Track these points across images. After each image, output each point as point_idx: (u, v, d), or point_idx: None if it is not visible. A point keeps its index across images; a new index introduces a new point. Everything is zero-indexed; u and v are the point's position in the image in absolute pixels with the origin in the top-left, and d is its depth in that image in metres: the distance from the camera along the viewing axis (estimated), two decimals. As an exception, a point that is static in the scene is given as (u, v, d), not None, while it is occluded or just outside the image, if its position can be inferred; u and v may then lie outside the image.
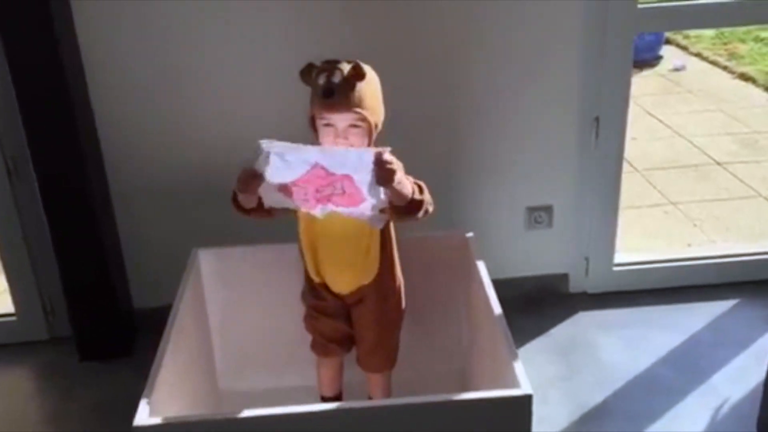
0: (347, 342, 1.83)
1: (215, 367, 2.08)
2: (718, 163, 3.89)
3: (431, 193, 1.62)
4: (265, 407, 1.44)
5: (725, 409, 2.00)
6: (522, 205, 2.40)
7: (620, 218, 2.46)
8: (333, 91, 1.51)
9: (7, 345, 2.38)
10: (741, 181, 3.68)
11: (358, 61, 1.54)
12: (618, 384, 2.11)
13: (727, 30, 5.90)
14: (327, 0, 2.09)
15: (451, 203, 2.35)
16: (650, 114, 4.64)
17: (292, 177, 1.52)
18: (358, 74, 1.53)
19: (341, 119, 1.54)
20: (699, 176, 3.79)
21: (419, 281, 1.91)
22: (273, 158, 1.50)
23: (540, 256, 2.48)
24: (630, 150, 2.37)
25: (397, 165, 1.50)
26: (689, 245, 3.12)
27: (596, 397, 2.06)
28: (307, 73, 1.57)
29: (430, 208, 1.61)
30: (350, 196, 1.52)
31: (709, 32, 6.00)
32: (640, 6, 2.19)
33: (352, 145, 1.55)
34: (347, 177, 1.50)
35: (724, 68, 5.59)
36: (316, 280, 1.74)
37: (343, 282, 1.73)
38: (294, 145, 1.50)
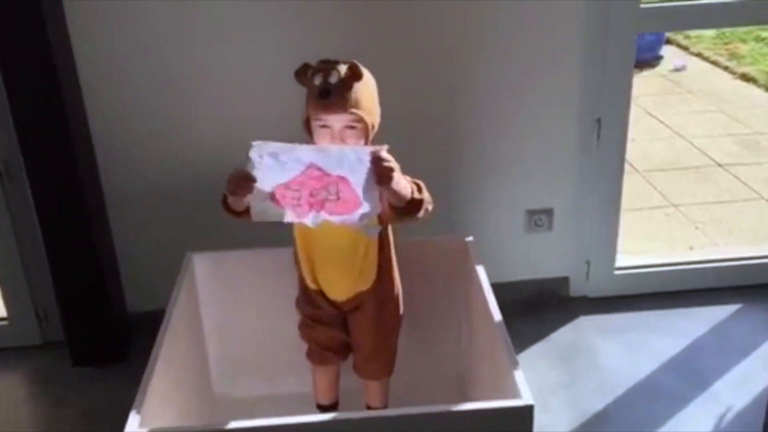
0: (344, 350, 1.80)
1: (210, 373, 2.05)
2: (720, 165, 3.87)
3: (430, 194, 1.59)
4: (260, 414, 1.42)
5: (729, 416, 1.98)
6: (522, 207, 2.38)
7: (621, 220, 2.43)
8: (329, 92, 1.48)
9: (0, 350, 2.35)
10: (743, 183, 3.65)
11: (354, 61, 1.51)
12: (619, 390, 2.08)
13: (727, 30, 5.87)
14: (326, 0, 2.06)
15: (451, 206, 2.33)
16: (650, 114, 4.62)
17: (286, 178, 1.48)
18: (355, 74, 1.50)
19: (338, 120, 1.51)
20: (700, 178, 3.76)
21: (418, 286, 1.89)
22: (266, 159, 1.47)
23: (540, 259, 2.46)
24: (630, 151, 2.35)
25: (394, 164, 1.47)
26: (691, 248, 3.10)
27: (597, 404, 2.04)
28: (303, 73, 1.54)
29: (430, 207, 1.57)
30: (344, 203, 1.48)
31: (709, 32, 5.98)
32: (642, 6, 2.16)
33: None
34: (343, 179, 1.46)
35: (725, 68, 5.57)
36: (312, 287, 1.70)
37: (340, 289, 1.69)
38: (288, 145, 1.47)
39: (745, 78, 5.33)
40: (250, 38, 2.11)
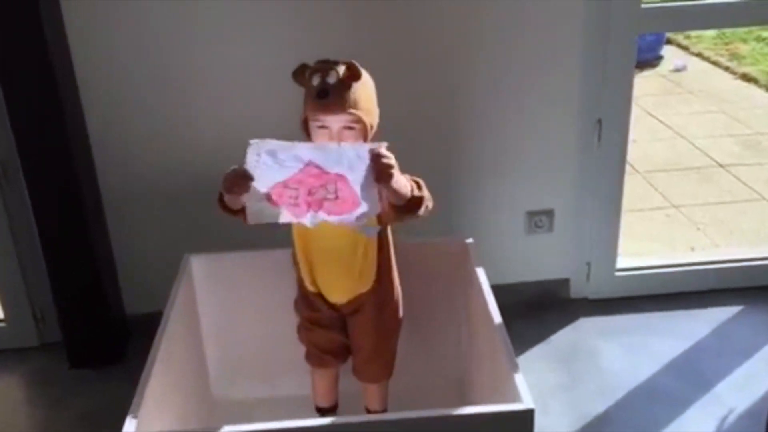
0: (343, 352, 1.79)
1: (208, 375, 2.04)
2: (721, 165, 3.85)
3: (430, 195, 1.57)
4: (258, 417, 1.41)
5: (731, 419, 1.96)
6: (522, 208, 2.37)
7: (621, 222, 2.41)
8: (328, 92, 1.47)
9: (-3, 351, 2.34)
10: (744, 183, 3.64)
11: (352, 60, 1.50)
12: (620, 393, 2.07)
13: (728, 30, 5.85)
14: (326, 0, 2.05)
15: (451, 207, 2.32)
16: (651, 115, 4.61)
17: (284, 176, 1.46)
18: (353, 74, 1.49)
19: (336, 121, 1.49)
20: (701, 179, 3.75)
21: (418, 288, 1.87)
22: (264, 157, 1.45)
23: (540, 261, 2.45)
24: (631, 152, 2.34)
25: (393, 161, 1.45)
26: (692, 249, 3.09)
27: (598, 407, 2.02)
28: (300, 73, 1.53)
29: (430, 204, 1.56)
30: (342, 202, 1.46)
31: (710, 32, 5.97)
32: (643, 6, 2.15)
33: None
34: (341, 177, 1.45)
35: (726, 69, 5.56)
36: (312, 289, 1.69)
37: (339, 291, 1.68)
38: (286, 143, 1.45)
39: (746, 78, 5.32)
40: (250, 38, 2.09)
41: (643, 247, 3.04)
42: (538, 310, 2.42)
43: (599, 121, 2.26)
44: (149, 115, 2.15)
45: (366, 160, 1.43)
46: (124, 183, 2.22)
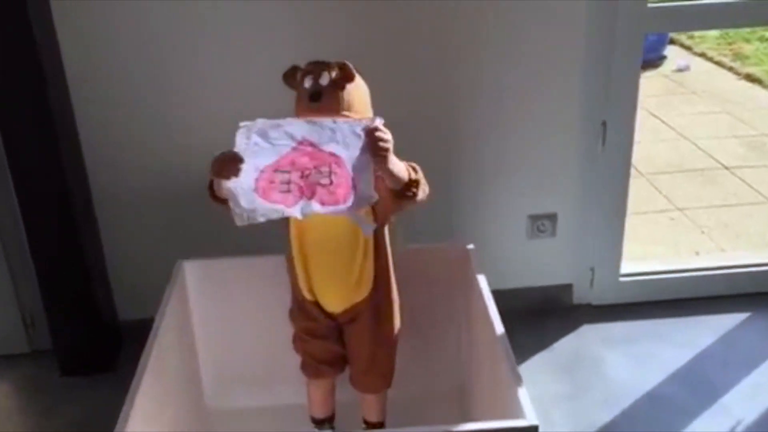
0: (340, 363, 1.75)
1: (202, 384, 2.00)
2: (726, 167, 3.81)
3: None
4: (253, 427, 1.37)
5: (739, 430, 1.92)
6: (524, 212, 2.33)
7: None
8: (320, 95, 1.42)
9: (-14, 358, 2.30)
10: (750, 186, 3.59)
11: (345, 61, 1.45)
12: (625, 403, 2.02)
13: (731, 30, 5.81)
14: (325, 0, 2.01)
15: (451, 210, 2.28)
16: (654, 115, 4.56)
17: (276, 155, 1.40)
18: (346, 76, 1.44)
19: None
20: (706, 181, 3.70)
21: (417, 295, 1.83)
22: (255, 138, 1.40)
23: (543, 265, 2.40)
24: (634, 153, 2.31)
25: (389, 137, 1.39)
26: (697, 253, 3.04)
27: (602, 417, 1.98)
28: (291, 76, 1.49)
29: (427, 189, 1.50)
30: (337, 187, 1.39)
31: (713, 32, 5.93)
32: (650, 5, 2.10)
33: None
34: (336, 158, 1.38)
35: (730, 69, 5.52)
36: (309, 298, 1.64)
37: (336, 299, 1.63)
38: (277, 120, 1.40)
39: (750, 78, 5.28)
40: (247, 38, 2.05)
41: (647, 250, 2.99)
42: (541, 316, 2.38)
43: (604, 124, 2.21)
44: (142, 116, 2.11)
45: (361, 136, 1.37)
46: (116, 185, 2.17)
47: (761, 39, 5.90)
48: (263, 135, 1.40)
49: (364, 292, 1.62)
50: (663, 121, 4.47)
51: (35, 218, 2.07)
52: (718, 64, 5.64)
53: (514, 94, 2.18)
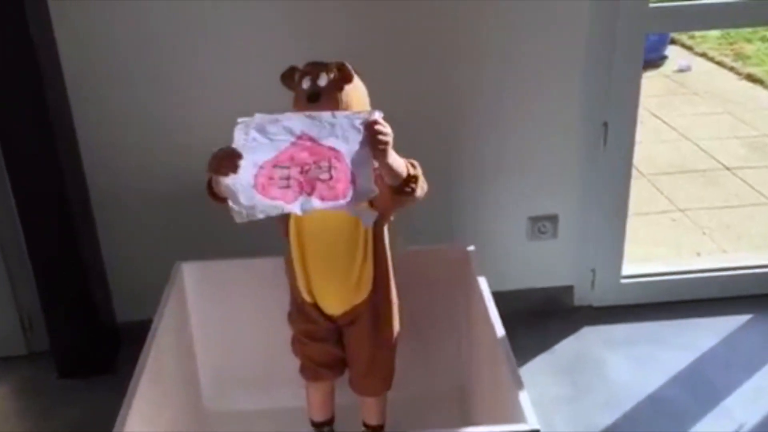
0: (339, 366, 1.73)
1: (200, 386, 1.99)
2: (727, 168, 3.79)
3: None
4: (252, 430, 1.34)
5: (741, 433, 1.90)
6: (525, 214, 2.31)
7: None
8: (319, 96, 1.41)
9: (-17, 360, 2.29)
10: (751, 187, 3.58)
11: (343, 61, 1.44)
12: (626, 406, 2.00)
13: (732, 30, 5.79)
14: (325, 1, 2.00)
15: (451, 212, 2.27)
16: (655, 116, 4.55)
17: (275, 151, 1.38)
18: (345, 76, 1.43)
19: None
20: (707, 182, 3.69)
21: (417, 297, 1.82)
22: (253, 133, 1.38)
23: (544, 267, 2.39)
24: (635, 153, 2.29)
25: (389, 130, 1.37)
26: (699, 254, 3.02)
27: (603, 420, 1.96)
28: (289, 76, 1.47)
29: (425, 186, 1.49)
30: (337, 182, 1.37)
31: (714, 32, 5.91)
32: (651, 5, 2.08)
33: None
34: (336, 153, 1.37)
35: (731, 69, 5.50)
36: (308, 300, 1.63)
37: (335, 301, 1.62)
38: (275, 115, 1.38)
39: (751, 79, 5.26)
40: (246, 38, 2.04)
41: (649, 251, 2.98)
42: (541, 317, 2.36)
43: (605, 125, 2.20)
44: (140, 116, 2.09)
45: (361, 130, 1.36)
46: (114, 186, 2.16)
47: (763, 39, 5.88)
48: (261, 130, 1.38)
49: (363, 293, 1.61)
50: (664, 122, 4.46)
51: (33, 219, 2.06)
52: (719, 64, 5.63)
53: (514, 95, 2.16)
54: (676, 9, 2.20)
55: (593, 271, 2.38)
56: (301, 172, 1.38)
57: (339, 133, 1.36)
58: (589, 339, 2.28)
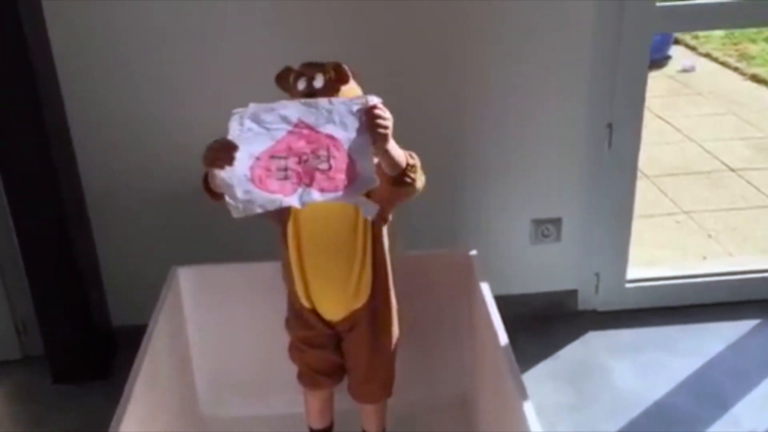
0: (338, 373, 1.70)
1: (196, 392, 1.96)
2: (732, 170, 3.75)
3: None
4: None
5: (750, 442, 1.87)
6: (528, 217, 2.28)
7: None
8: (315, 97, 1.37)
9: (-23, 365, 2.26)
10: (757, 188, 3.54)
11: (339, 62, 1.41)
12: (632, 414, 1.97)
13: (737, 30, 5.75)
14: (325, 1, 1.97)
15: (454, 214, 2.24)
16: (659, 117, 4.50)
17: (271, 140, 1.34)
18: (341, 77, 1.40)
19: None
20: (712, 183, 3.65)
21: (419, 302, 1.80)
22: (248, 123, 1.34)
23: (547, 271, 2.36)
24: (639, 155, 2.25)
25: (389, 116, 1.33)
26: (704, 258, 2.98)
27: (608, 428, 1.92)
28: (285, 77, 1.44)
29: (423, 179, 1.45)
30: (336, 172, 1.33)
31: (718, 32, 5.88)
32: (657, 5, 2.04)
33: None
34: (334, 141, 1.33)
35: (735, 69, 5.46)
36: (306, 305, 1.59)
37: (334, 306, 1.59)
38: (271, 104, 1.35)
39: (756, 79, 5.22)
40: (245, 37, 2.01)
41: (653, 254, 2.94)
42: (545, 322, 2.33)
43: (610, 126, 2.16)
44: (135, 116, 2.06)
45: (359, 116, 1.32)
46: (110, 188, 2.13)
47: (767, 39, 5.84)
48: (256, 119, 1.35)
49: (362, 298, 1.58)
50: (668, 123, 4.42)
51: (27, 222, 2.03)
52: (724, 64, 5.59)
53: (517, 96, 2.13)
54: (682, 9, 2.17)
55: (597, 275, 2.35)
56: (299, 162, 1.34)
57: (337, 119, 1.33)
58: (594, 344, 2.25)
